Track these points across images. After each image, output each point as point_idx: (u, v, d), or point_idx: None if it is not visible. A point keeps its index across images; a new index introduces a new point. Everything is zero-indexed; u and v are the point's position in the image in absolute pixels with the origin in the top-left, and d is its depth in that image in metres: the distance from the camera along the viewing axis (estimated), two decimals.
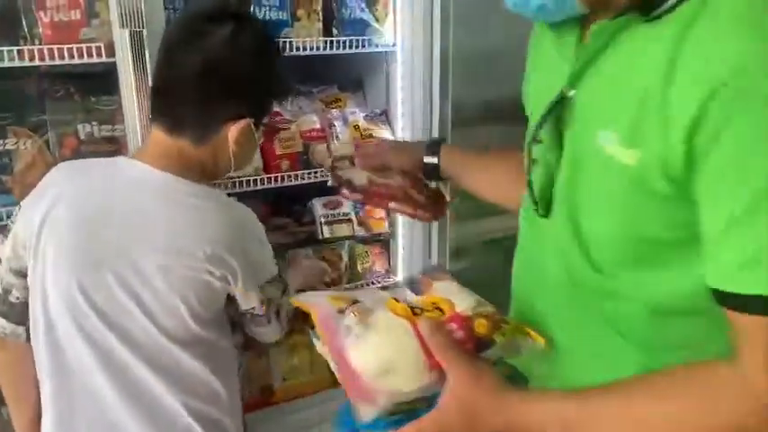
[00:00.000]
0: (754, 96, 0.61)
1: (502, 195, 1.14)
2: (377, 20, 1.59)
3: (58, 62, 1.25)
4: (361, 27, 1.57)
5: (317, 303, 0.83)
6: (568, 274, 0.85)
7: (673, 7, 0.68)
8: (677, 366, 0.71)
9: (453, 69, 1.58)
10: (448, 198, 1.34)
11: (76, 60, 1.27)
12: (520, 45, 1.00)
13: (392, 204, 1.25)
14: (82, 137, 1.37)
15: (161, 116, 1.10)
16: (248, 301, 1.15)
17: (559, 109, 0.80)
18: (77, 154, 1.36)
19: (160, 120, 1.09)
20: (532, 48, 0.96)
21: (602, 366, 0.83)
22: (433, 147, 1.25)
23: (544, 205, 0.87)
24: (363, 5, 1.57)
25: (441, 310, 0.81)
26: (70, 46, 1.26)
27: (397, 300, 0.82)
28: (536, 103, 0.88)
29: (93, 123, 1.37)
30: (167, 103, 1.09)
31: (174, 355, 1.06)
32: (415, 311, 0.80)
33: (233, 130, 1.09)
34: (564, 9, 0.75)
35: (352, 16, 1.55)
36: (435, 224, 1.70)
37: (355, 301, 0.82)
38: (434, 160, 1.23)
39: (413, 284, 1.67)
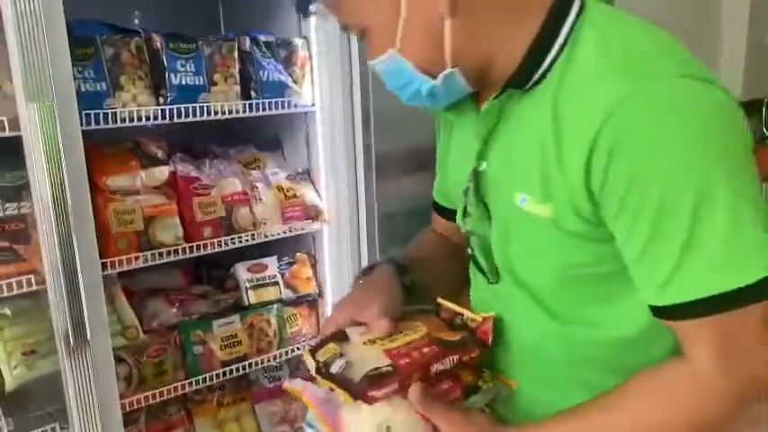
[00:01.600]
0: (630, 130, 0.67)
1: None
2: (295, 81, 1.59)
3: None
4: (279, 89, 1.56)
5: (307, 388, 0.83)
6: (534, 329, 0.86)
7: (543, 75, 0.74)
8: (630, 378, 0.76)
9: (374, 125, 1.59)
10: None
11: None
12: None
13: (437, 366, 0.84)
14: None
15: None
16: None
17: (477, 182, 0.85)
18: None
19: None
20: (441, 134, 1.00)
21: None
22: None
23: (493, 273, 0.89)
24: (281, 67, 1.56)
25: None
26: None
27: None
28: (456, 178, 0.92)
29: None
30: None
31: None
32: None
33: None
34: (453, 91, 0.80)
35: (270, 78, 1.54)
36: None
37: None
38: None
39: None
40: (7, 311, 1.37)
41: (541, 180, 0.74)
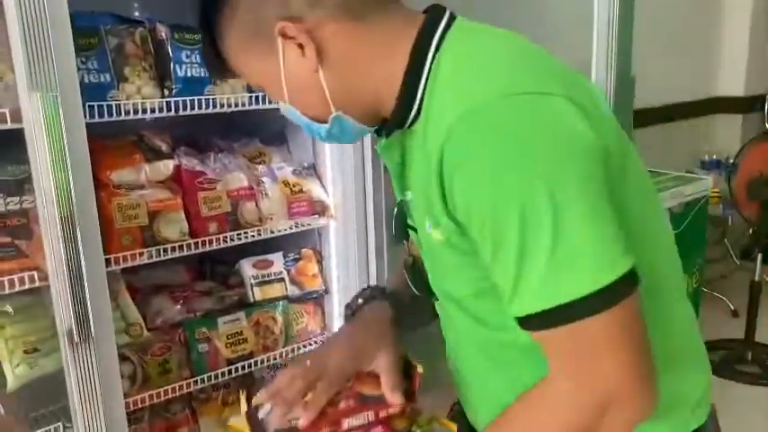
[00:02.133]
0: (456, 158, 0.72)
1: None
2: None
3: None
4: None
5: None
6: (472, 339, 0.91)
7: (417, 115, 0.81)
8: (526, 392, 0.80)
9: None
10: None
11: None
12: None
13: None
14: None
15: None
16: None
17: (407, 210, 0.92)
18: None
19: None
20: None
21: None
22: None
23: (431, 291, 0.95)
24: None
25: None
26: None
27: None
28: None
29: None
30: None
31: None
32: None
33: None
34: (352, 131, 0.87)
35: None
36: (373, 276, 1.66)
37: None
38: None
39: None
40: (9, 309, 1.34)
41: (430, 208, 0.79)
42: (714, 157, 3.63)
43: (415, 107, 0.81)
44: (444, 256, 0.84)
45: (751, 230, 3.32)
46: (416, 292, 1.00)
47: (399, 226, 0.97)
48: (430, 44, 0.80)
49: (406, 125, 0.83)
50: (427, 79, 0.79)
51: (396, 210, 0.96)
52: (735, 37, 3.73)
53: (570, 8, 2.27)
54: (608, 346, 0.71)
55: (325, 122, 0.85)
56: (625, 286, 0.70)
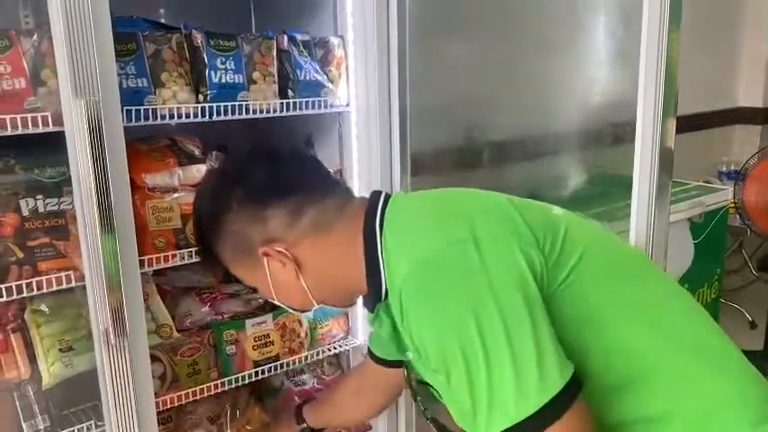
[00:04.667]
0: (409, 298, 0.89)
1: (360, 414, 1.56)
2: (330, 80, 1.58)
3: None
4: (316, 88, 1.55)
5: None
6: None
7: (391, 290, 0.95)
8: None
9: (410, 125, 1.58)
10: None
11: (20, 131, 1.18)
12: (464, 97, 1.16)
13: None
14: (25, 213, 1.26)
15: None
16: None
17: (410, 369, 1.13)
18: (19, 232, 1.25)
19: None
20: None
21: None
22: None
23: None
24: (318, 67, 1.55)
25: None
26: (14, 116, 1.17)
27: None
28: None
29: (38, 197, 1.27)
30: None
31: None
32: None
33: None
34: (333, 313, 1.17)
35: (307, 78, 1.53)
36: None
37: None
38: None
39: None
40: (44, 308, 1.37)
41: (420, 358, 0.95)
42: (732, 167, 3.62)
43: (383, 279, 0.96)
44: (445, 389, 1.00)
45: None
46: None
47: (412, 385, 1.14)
48: (374, 225, 0.98)
49: (382, 296, 0.98)
50: (382, 252, 0.96)
51: (405, 373, 1.14)
52: (754, 47, 3.72)
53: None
54: None
55: (309, 311, 1.10)
56: (568, 396, 0.80)
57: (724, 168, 3.65)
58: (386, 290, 0.97)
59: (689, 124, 3.43)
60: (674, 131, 1.57)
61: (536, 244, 0.88)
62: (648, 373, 0.91)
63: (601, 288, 0.93)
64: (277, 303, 1.14)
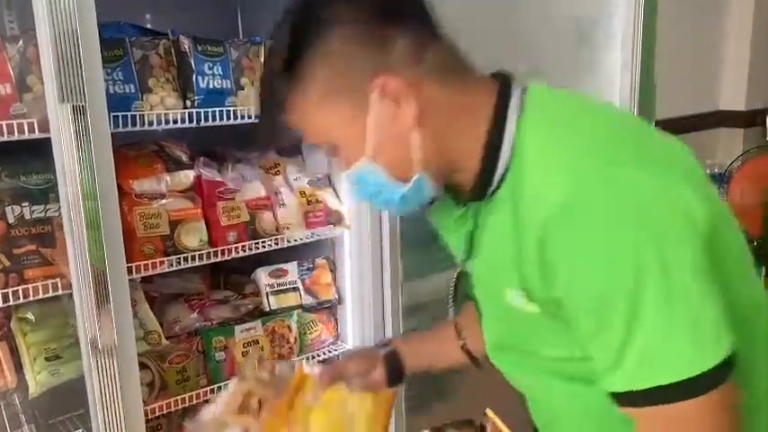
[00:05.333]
0: (559, 240, 0.71)
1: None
2: None
3: None
4: None
5: None
6: (577, 405, 0.88)
7: (499, 185, 0.80)
8: None
9: None
10: None
11: (6, 138, 1.17)
12: None
13: None
14: (11, 220, 1.25)
15: None
16: None
17: (461, 281, 0.94)
18: (5, 239, 1.24)
19: None
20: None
21: None
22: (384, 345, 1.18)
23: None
24: None
25: None
26: None
27: None
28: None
29: (25, 205, 1.26)
30: None
31: None
32: None
33: None
34: (422, 195, 0.84)
35: None
36: (388, 284, 1.67)
37: None
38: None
39: None
40: (30, 316, 1.35)
41: (521, 280, 0.78)
42: (716, 170, 3.66)
43: (495, 181, 0.79)
44: (538, 323, 0.82)
45: (755, 243, 3.35)
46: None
47: (461, 294, 0.98)
48: (507, 109, 0.79)
49: (488, 194, 0.81)
50: (513, 147, 0.77)
51: (455, 278, 0.96)
52: (737, 52, 3.77)
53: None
54: (701, 429, 0.71)
55: (405, 183, 0.81)
56: (721, 373, 0.69)
57: (708, 171, 3.68)
58: (494, 188, 0.80)
59: (673, 128, 3.48)
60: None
61: (715, 200, 0.77)
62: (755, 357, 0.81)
63: (735, 251, 0.81)
64: (358, 170, 0.81)
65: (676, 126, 3.49)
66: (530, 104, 0.79)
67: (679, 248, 0.69)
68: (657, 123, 3.11)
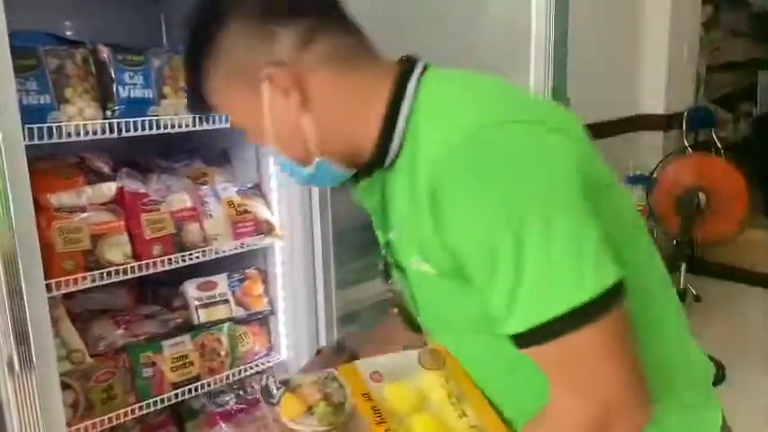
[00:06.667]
0: (446, 186, 0.75)
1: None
2: None
3: None
4: None
5: None
6: (489, 353, 0.90)
7: (397, 155, 0.84)
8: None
9: None
10: None
11: None
12: None
13: None
14: None
15: None
16: None
17: (390, 249, 0.94)
18: None
19: None
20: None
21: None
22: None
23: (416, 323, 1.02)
24: None
25: None
26: None
27: None
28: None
29: None
30: None
31: None
32: None
33: None
34: (333, 176, 0.90)
35: None
36: (321, 293, 1.67)
37: None
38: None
39: None
40: None
41: (420, 243, 0.82)
42: (638, 172, 3.80)
43: (397, 141, 0.83)
44: (441, 287, 0.85)
45: (675, 241, 3.50)
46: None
47: (387, 266, 0.99)
48: (406, 86, 0.84)
49: (387, 163, 0.85)
50: (408, 117, 0.82)
51: (383, 252, 0.98)
52: (655, 57, 3.93)
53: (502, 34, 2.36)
54: (601, 357, 0.74)
55: (308, 165, 0.87)
56: (611, 298, 0.72)
57: (630, 173, 3.82)
58: (393, 157, 0.85)
59: (598, 132, 3.59)
60: None
61: (595, 156, 0.84)
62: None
63: (628, 211, 0.87)
64: (267, 153, 0.94)
65: (602, 129, 3.62)
66: (427, 79, 0.85)
67: (557, 187, 0.73)
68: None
